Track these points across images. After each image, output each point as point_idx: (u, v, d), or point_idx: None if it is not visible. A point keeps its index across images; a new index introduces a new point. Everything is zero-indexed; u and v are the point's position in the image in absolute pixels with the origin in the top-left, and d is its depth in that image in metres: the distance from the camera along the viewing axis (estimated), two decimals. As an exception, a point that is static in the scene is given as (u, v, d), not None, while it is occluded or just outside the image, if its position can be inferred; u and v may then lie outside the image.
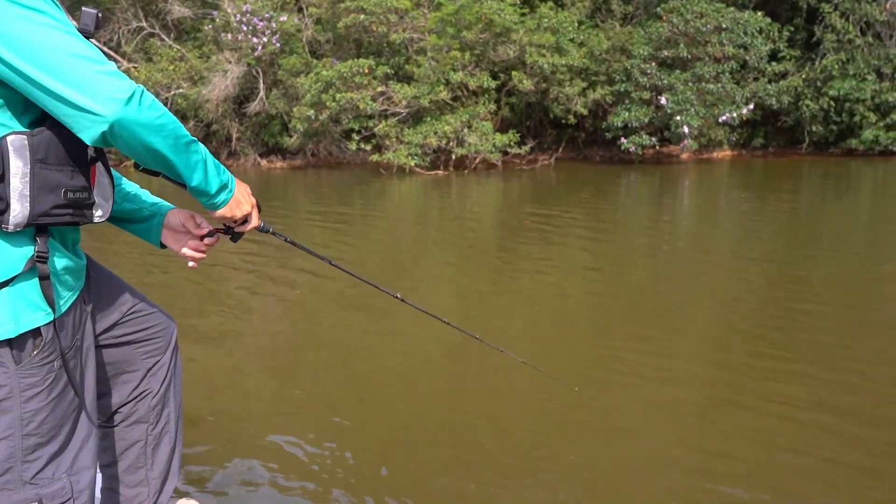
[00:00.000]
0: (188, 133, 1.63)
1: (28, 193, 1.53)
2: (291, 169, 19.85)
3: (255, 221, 1.90)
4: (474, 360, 4.71)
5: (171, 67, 18.94)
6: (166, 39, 20.18)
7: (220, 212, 1.79)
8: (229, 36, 18.69)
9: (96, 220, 1.73)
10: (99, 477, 2.07)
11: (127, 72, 19.22)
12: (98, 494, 2.08)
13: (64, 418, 1.71)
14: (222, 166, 1.77)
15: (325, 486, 3.23)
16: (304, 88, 17.35)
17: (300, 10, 19.50)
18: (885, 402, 3.93)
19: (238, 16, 18.52)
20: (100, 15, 1.69)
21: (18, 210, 1.53)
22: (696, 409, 3.99)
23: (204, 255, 2.06)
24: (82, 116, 1.49)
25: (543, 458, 3.42)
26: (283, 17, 18.60)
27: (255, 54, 18.65)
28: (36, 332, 1.62)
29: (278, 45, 18.60)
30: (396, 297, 2.48)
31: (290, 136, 18.98)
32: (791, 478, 3.18)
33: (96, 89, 1.46)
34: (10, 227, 1.54)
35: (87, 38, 1.60)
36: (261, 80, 19.18)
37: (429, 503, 3.12)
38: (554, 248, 8.68)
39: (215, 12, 19.21)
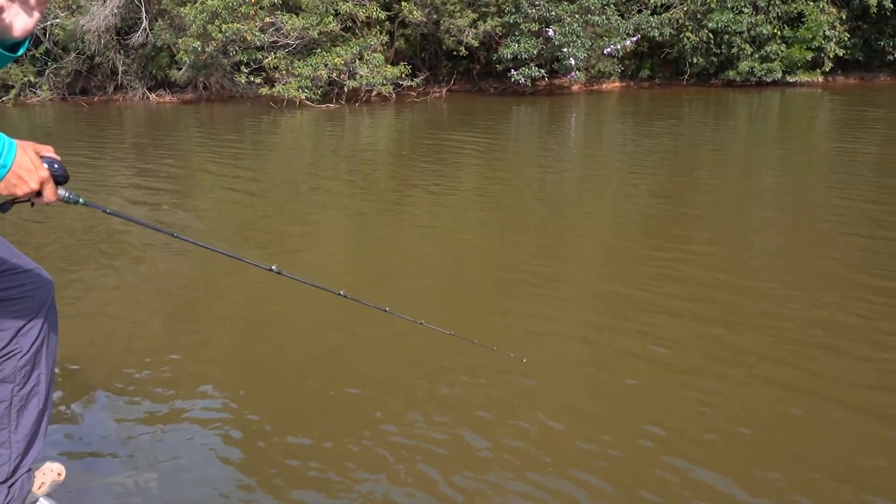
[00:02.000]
0: None
1: None
2: (182, 103, 19.34)
3: (49, 196, 1.64)
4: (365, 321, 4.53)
5: (46, -4, 17.97)
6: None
7: None
8: (107, -38, 17.85)
9: None
10: None
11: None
12: None
13: None
14: None
15: (215, 451, 3.16)
16: (190, 19, 16.82)
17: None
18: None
19: (116, -60, 17.68)
20: None
21: None
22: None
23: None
24: None
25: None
26: (165, -57, 17.86)
27: (137, -18, 17.91)
28: None
29: (161, -28, 17.90)
30: (272, 270, 2.23)
31: (179, 69, 18.44)
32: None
33: None
34: None
35: None
36: (143, 9, 18.45)
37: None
38: (445, 180, 8.86)
39: (92, -64, 18.25)
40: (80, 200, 1.74)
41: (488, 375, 3.66)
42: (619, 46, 17.55)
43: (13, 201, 1.63)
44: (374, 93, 17.46)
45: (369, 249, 6.24)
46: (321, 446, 3.13)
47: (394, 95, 17.76)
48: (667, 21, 17.92)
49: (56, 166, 1.64)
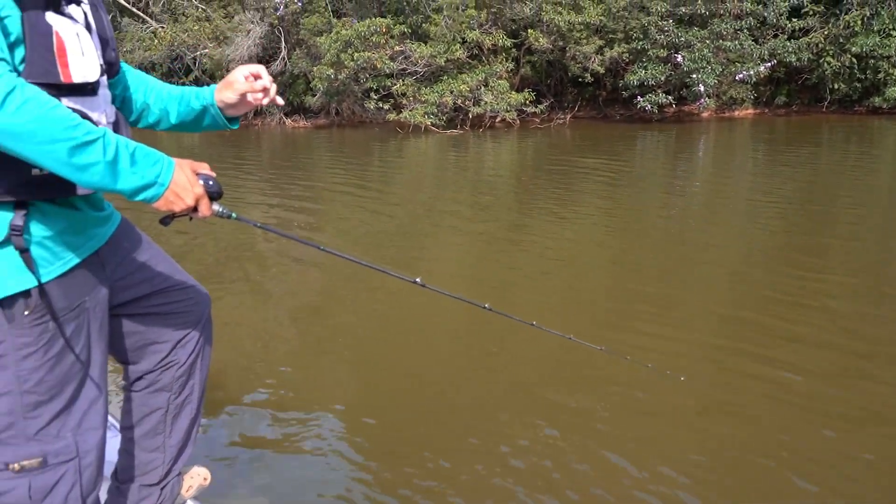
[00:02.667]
0: (84, 132, 1.46)
1: None
2: (315, 128, 20.22)
3: (204, 211, 1.72)
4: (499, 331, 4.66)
5: (196, 28, 19.34)
6: (192, 0, 20.56)
7: (154, 205, 1.64)
8: (252, -5, 19.03)
9: (81, 192, 1.65)
10: (118, 439, 2.16)
11: (154, 33, 19.71)
12: (114, 456, 2.13)
13: (66, 378, 1.71)
14: (153, 159, 1.59)
15: (345, 457, 3.27)
16: (325, 48, 17.62)
17: (322, -32, 19.72)
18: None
19: (261, -25, 18.84)
20: None
21: None
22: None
23: (267, 87, 1.99)
24: None
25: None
26: (305, -24, 18.86)
27: (278, 13, 18.95)
28: (27, 293, 1.61)
29: (300, 3, 18.86)
30: (416, 283, 2.27)
31: (314, 96, 19.31)
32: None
33: None
34: None
35: (61, 0, 1.55)
36: (282, 40, 19.49)
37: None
38: (568, 203, 8.82)
39: (239, -28, 19.53)
40: (233, 215, 1.84)
41: (645, 389, 3.74)
42: (752, 72, 16.96)
43: (173, 216, 1.74)
44: (499, 119, 17.65)
45: (491, 268, 6.34)
46: (458, 472, 3.14)
47: (518, 121, 17.89)
48: (805, 46, 17.17)
49: (211, 183, 1.73)
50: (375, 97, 17.81)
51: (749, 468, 3.08)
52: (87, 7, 1.66)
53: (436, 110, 16.99)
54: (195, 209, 1.72)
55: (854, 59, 16.98)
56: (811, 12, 17.81)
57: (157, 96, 2.00)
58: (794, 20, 17.50)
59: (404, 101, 17.48)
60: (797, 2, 17.55)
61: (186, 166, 1.69)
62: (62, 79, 1.52)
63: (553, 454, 3.24)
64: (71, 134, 1.44)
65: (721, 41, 16.76)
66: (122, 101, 1.98)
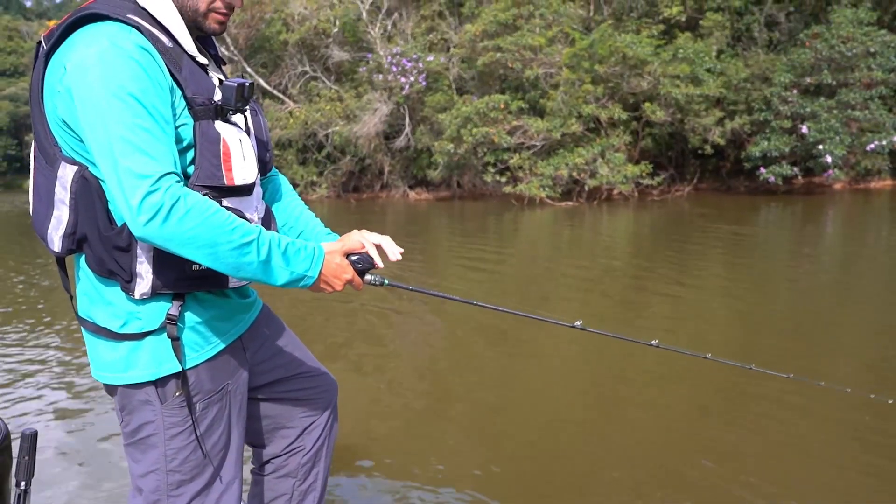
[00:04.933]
0: (242, 234, 1.57)
1: (151, 267, 1.64)
2: (437, 200, 20.94)
3: (356, 286, 1.85)
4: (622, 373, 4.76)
5: (328, 107, 20.69)
6: (326, 82, 22.05)
7: (308, 289, 1.76)
8: (380, 77, 20.18)
9: (233, 286, 1.77)
10: None
11: (290, 113, 21.23)
12: None
13: (208, 459, 1.79)
14: (304, 254, 1.69)
15: None
16: (446, 124, 18.38)
17: (447, 49, 20.69)
18: None
19: (389, 58, 19.98)
20: (247, 84, 1.72)
21: (143, 281, 1.65)
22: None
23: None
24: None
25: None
26: (430, 58, 19.84)
27: (404, 93, 19.99)
28: (178, 375, 1.71)
29: (424, 83, 19.84)
30: (575, 327, 2.29)
31: (435, 170, 20.09)
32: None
33: (122, 201, 1.50)
34: (137, 296, 1.66)
35: (228, 110, 1.70)
36: (406, 117, 20.49)
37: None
38: (685, 278, 8.60)
39: (370, 55, 20.79)
40: (385, 282, 1.92)
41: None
42: (885, 142, 16.19)
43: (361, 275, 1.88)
44: (616, 191, 17.66)
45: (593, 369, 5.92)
46: None
47: (636, 193, 17.83)
48: (945, 113, 16.28)
49: (359, 260, 1.85)
50: (493, 170, 18.30)
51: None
52: (248, 112, 1.82)
53: (551, 183, 17.24)
54: (368, 269, 1.86)
55: None
56: (952, 78, 16.93)
57: (287, 214, 2.10)
58: (931, 87, 16.68)
59: (521, 174, 17.86)
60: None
61: (338, 254, 1.79)
62: (225, 182, 1.66)
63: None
64: (229, 238, 1.55)
65: (850, 111, 16.17)
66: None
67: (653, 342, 2.42)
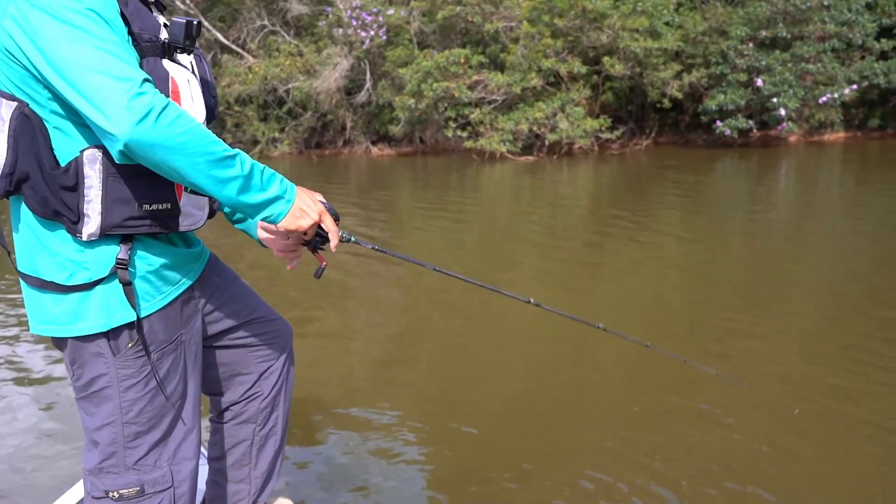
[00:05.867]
0: (224, 148, 1.55)
1: (100, 206, 1.59)
2: (399, 156, 20.90)
3: (334, 239, 1.83)
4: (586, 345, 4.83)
5: (288, 62, 20.43)
6: (286, 36, 21.73)
7: (280, 224, 1.70)
8: (340, 31, 19.94)
9: (182, 229, 1.73)
10: (206, 469, 2.20)
11: (249, 68, 20.95)
12: (203, 486, 2.18)
13: (164, 409, 1.77)
14: (278, 178, 1.68)
15: (432, 478, 3.27)
16: (407, 78, 18.30)
17: (407, 2, 20.47)
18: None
19: (349, 11, 19.72)
20: (195, 23, 1.69)
21: (91, 221, 1.60)
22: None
23: (296, 254, 2.02)
24: (101, 134, 1.49)
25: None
26: (391, 11, 19.63)
27: (364, 47, 19.81)
28: (131, 326, 1.69)
29: (385, 37, 19.66)
30: (530, 302, 2.35)
31: (397, 125, 20.02)
32: None
33: (109, 107, 1.43)
34: (84, 237, 1.61)
35: (176, 49, 1.66)
36: (367, 72, 20.33)
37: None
38: (641, 232, 8.76)
39: (329, 8, 20.50)
40: (352, 238, 1.93)
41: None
42: (836, 95, 16.48)
43: (309, 243, 1.89)
44: (577, 146, 17.80)
45: (565, 295, 6.28)
46: (540, 484, 3.22)
47: (595, 147, 17.99)
48: (893, 67, 16.56)
49: (328, 205, 1.84)
50: (454, 125, 18.32)
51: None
52: (192, 57, 1.78)
53: (511, 137, 17.32)
54: (326, 240, 1.84)
55: (950, 80, 16.25)
56: (903, 32, 17.20)
57: None
58: (883, 41, 16.91)
59: (481, 129, 17.91)
60: (888, 21, 16.97)
61: (304, 191, 1.78)
62: None
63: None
64: (213, 149, 1.53)
65: (804, 64, 16.39)
66: None
67: (599, 325, 2.52)
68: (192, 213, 1.74)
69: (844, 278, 6.35)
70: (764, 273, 6.63)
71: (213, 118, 1.86)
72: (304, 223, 1.73)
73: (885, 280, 6.18)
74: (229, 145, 1.60)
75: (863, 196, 10.90)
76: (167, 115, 1.46)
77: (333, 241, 1.83)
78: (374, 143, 21.82)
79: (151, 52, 1.60)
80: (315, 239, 1.87)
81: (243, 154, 1.60)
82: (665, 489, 3.09)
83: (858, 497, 2.99)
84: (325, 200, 1.85)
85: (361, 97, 20.44)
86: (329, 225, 1.80)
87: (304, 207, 1.72)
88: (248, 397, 2.12)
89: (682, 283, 6.54)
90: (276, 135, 21.98)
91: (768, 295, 5.81)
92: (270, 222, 1.69)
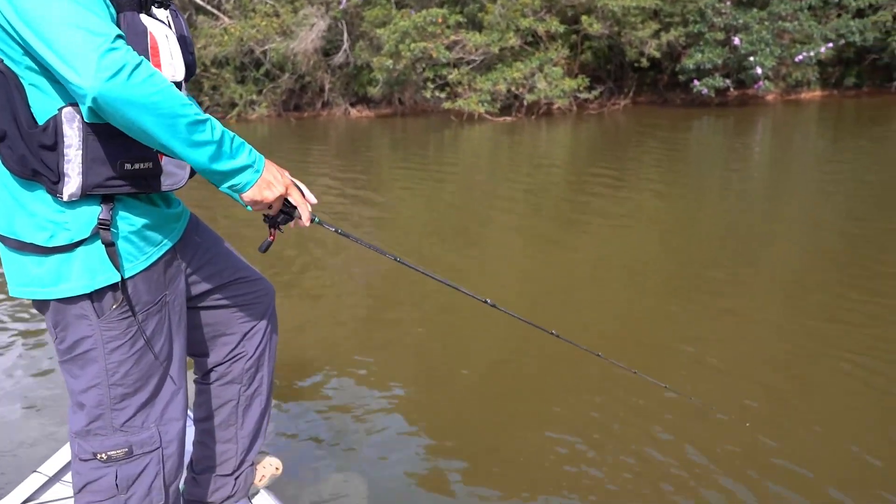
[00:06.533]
0: (195, 112, 1.53)
1: (80, 165, 1.56)
2: (378, 117, 20.80)
3: (304, 211, 1.81)
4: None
5: (264, 23, 20.16)
6: (261, -4, 21.42)
7: (246, 194, 1.68)
8: (317, -10, 19.70)
9: (164, 188, 1.72)
10: (193, 430, 2.20)
11: (225, 29, 20.66)
12: (190, 447, 2.18)
13: (150, 370, 1.77)
14: (248, 148, 1.66)
15: (408, 442, 3.38)
16: (384, 39, 18.14)
17: (384, -39, 20.21)
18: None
19: (325, -30, 19.48)
20: None
21: (71, 181, 1.56)
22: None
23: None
24: (71, 90, 1.45)
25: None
26: (367, -30, 19.40)
27: (341, 7, 19.58)
28: (115, 287, 1.66)
29: (361, -3, 19.44)
30: (486, 303, 2.37)
31: (376, 86, 19.88)
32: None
33: (79, 61, 1.39)
34: (65, 198, 1.58)
35: (153, 3, 1.65)
36: (345, 32, 20.12)
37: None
38: (619, 195, 8.81)
39: (305, -33, 20.22)
40: (316, 219, 1.90)
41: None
42: (812, 53, 16.55)
43: (272, 240, 1.86)
44: (555, 106, 17.81)
45: (540, 270, 6.21)
46: (505, 449, 3.34)
47: (574, 107, 18.01)
48: (871, 25, 16.63)
49: (297, 183, 1.81)
50: (432, 86, 18.23)
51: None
52: (168, 12, 1.75)
53: (490, 98, 17.29)
54: (290, 217, 1.81)
55: (924, 37, 16.36)
56: (880, -11, 17.23)
57: None
58: (859, -1, 16.97)
59: (460, 90, 17.85)
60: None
61: (273, 164, 1.75)
62: None
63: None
64: (188, 111, 1.50)
65: (781, 22, 16.43)
66: None
67: (552, 331, 2.49)
68: (173, 173, 1.72)
69: (822, 232, 6.55)
70: (744, 228, 6.84)
71: (191, 75, 1.82)
72: (270, 195, 1.70)
73: (862, 230, 6.40)
74: (207, 108, 1.57)
75: (839, 153, 11.05)
76: (140, 73, 1.43)
77: (304, 213, 1.81)
78: (352, 104, 21.67)
79: (128, 5, 1.57)
80: (279, 216, 1.82)
81: (214, 120, 1.59)
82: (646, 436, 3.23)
83: (840, 426, 3.28)
84: (295, 180, 1.83)
85: (339, 58, 20.25)
86: (297, 198, 1.79)
87: (271, 179, 1.70)
88: (232, 357, 2.12)
89: (662, 238, 6.74)
90: (254, 97, 21.74)
91: (752, 248, 6.03)
92: (237, 191, 1.67)
